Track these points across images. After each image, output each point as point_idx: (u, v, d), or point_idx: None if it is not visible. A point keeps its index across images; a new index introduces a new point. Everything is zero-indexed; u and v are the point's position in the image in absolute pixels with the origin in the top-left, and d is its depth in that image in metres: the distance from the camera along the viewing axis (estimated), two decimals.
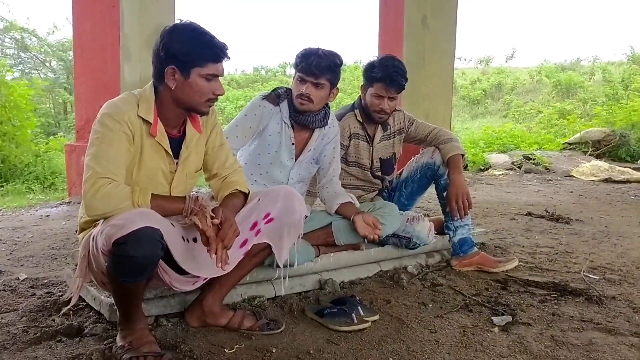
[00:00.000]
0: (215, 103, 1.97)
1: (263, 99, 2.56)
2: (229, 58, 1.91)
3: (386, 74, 2.73)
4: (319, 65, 2.42)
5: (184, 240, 1.92)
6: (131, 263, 1.67)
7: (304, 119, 2.54)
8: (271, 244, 2.02)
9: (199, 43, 1.83)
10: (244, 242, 2.00)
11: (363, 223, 2.55)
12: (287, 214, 2.04)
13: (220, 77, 1.91)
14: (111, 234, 1.65)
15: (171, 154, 1.95)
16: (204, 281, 1.99)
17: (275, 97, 2.57)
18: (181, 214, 1.85)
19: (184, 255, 1.85)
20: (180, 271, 1.88)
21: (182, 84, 1.85)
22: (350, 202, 2.67)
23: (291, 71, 22.63)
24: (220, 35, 1.90)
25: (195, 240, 1.96)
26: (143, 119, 1.87)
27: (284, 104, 2.56)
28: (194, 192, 2.05)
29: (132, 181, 1.88)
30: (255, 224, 2.03)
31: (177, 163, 1.99)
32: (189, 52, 1.82)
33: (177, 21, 1.90)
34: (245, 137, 2.53)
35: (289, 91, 2.58)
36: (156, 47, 1.86)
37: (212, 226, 1.81)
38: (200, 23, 1.88)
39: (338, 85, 2.57)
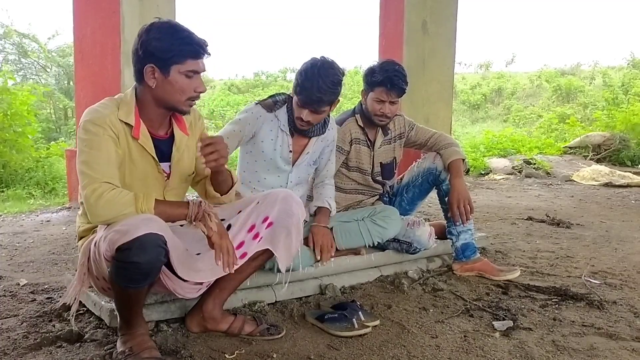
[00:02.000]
0: (197, 101, 1.94)
1: (257, 104, 2.54)
2: (209, 54, 1.88)
3: (387, 78, 2.74)
4: (320, 100, 2.35)
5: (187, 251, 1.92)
6: (134, 269, 1.67)
7: (303, 131, 2.52)
8: (271, 249, 2.01)
9: (177, 40, 1.81)
10: (241, 244, 1.99)
11: (319, 239, 2.54)
12: (285, 218, 2.02)
13: (201, 74, 1.88)
14: (115, 239, 1.65)
15: (155, 156, 1.92)
16: (207, 287, 1.98)
17: (272, 103, 2.53)
18: (185, 220, 1.84)
19: (182, 263, 1.84)
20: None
21: (162, 82, 1.83)
22: (326, 208, 2.64)
23: (292, 76, 22.62)
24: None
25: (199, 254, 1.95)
26: (125, 122, 1.86)
27: (281, 111, 2.52)
28: (187, 196, 2.04)
29: (124, 186, 1.85)
30: (253, 227, 2.02)
31: (169, 166, 1.97)
32: (167, 49, 1.80)
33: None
34: (228, 140, 2.45)
35: (288, 99, 2.55)
36: (134, 46, 1.85)
37: (217, 231, 1.81)
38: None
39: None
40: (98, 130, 1.80)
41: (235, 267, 1.84)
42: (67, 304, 1.95)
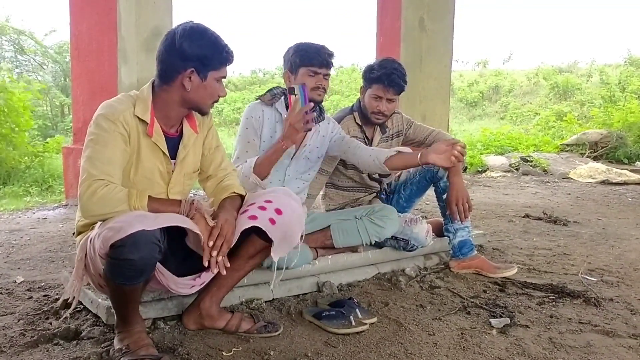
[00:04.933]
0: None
1: (258, 98, 2.57)
2: None
3: (385, 75, 2.73)
4: (331, 55, 2.50)
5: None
6: (128, 266, 1.66)
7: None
8: (273, 240, 1.96)
9: (218, 47, 1.87)
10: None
11: (440, 153, 2.43)
12: (290, 212, 2.01)
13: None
14: (108, 236, 1.65)
15: (168, 154, 1.95)
16: (202, 285, 1.98)
17: (270, 96, 2.56)
18: None
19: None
20: (178, 274, 1.88)
21: (197, 86, 1.88)
22: (400, 152, 2.53)
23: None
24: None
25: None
26: (139, 118, 1.87)
27: (280, 103, 2.56)
28: (191, 195, 2.04)
29: (129, 182, 1.87)
30: (253, 217, 2.01)
31: (174, 163, 1.98)
32: (210, 56, 1.85)
33: (176, 23, 1.92)
34: (248, 153, 2.51)
35: (285, 91, 2.57)
36: (168, 47, 1.85)
37: (208, 230, 1.80)
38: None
39: None
40: (109, 126, 1.81)
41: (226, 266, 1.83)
42: (67, 300, 1.94)
